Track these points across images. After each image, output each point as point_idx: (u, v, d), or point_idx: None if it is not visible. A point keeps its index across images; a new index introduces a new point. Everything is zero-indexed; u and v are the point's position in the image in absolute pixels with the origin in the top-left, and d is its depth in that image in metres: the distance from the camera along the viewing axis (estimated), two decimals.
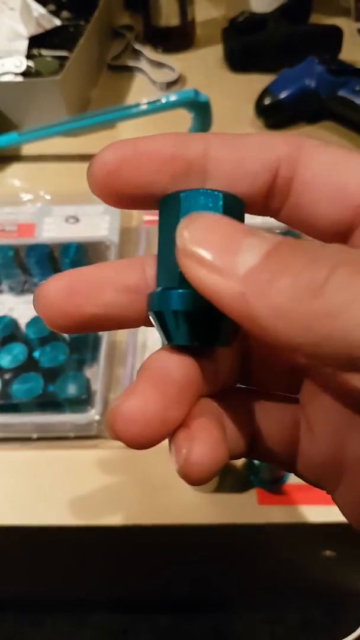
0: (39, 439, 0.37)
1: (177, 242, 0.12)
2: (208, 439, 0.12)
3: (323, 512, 0.34)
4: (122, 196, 0.13)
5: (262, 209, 0.14)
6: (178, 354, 0.14)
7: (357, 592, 0.60)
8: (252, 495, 0.35)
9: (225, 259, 0.11)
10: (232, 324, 0.13)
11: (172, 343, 0.14)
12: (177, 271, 0.13)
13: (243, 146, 0.13)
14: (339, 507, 0.15)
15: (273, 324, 0.10)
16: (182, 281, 0.12)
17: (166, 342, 0.14)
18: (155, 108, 0.52)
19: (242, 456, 0.15)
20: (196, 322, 0.13)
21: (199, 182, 0.13)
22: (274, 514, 0.34)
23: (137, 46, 0.73)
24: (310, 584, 0.61)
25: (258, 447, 0.15)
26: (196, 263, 0.11)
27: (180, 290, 0.13)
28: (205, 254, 0.11)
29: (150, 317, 0.14)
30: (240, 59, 0.69)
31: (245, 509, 0.35)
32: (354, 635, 0.52)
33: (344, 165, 0.13)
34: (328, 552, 0.44)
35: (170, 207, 0.13)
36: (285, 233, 0.43)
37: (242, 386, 0.16)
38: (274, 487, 0.35)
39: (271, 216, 0.14)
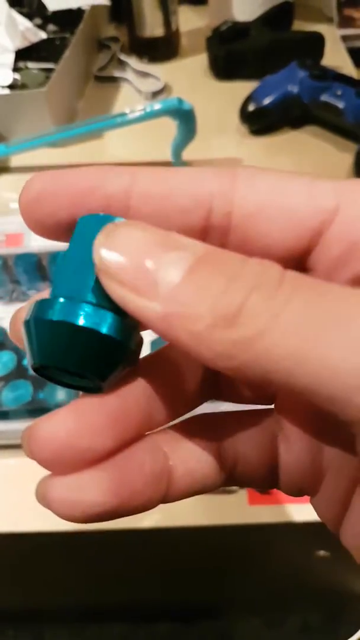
0: None
1: (94, 258, 0.11)
2: (75, 488, 0.12)
3: (314, 510, 0.34)
4: (43, 226, 0.13)
5: None
6: (127, 381, 0.13)
7: (356, 594, 0.60)
8: (242, 495, 0.35)
9: (146, 278, 0.11)
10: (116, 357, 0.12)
11: (40, 362, 0.12)
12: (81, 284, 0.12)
13: (171, 181, 0.12)
14: (317, 512, 0.15)
15: (194, 348, 0.10)
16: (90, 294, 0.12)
17: (33, 362, 0.12)
18: (141, 117, 0.53)
19: (218, 486, 0.14)
20: (91, 343, 0.11)
21: (121, 216, 0.12)
22: (264, 514, 0.34)
23: (123, 57, 0.74)
24: (308, 587, 0.61)
25: (237, 473, 0.14)
26: (117, 283, 0.11)
27: (91, 306, 0.12)
28: (126, 274, 0.11)
29: (26, 327, 0.12)
30: (224, 67, 0.70)
31: (236, 509, 0.35)
32: (354, 638, 0.52)
33: (288, 189, 0.12)
34: (322, 552, 0.44)
35: (83, 227, 0.13)
36: None
37: (215, 411, 0.15)
38: None
39: None
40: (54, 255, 0.44)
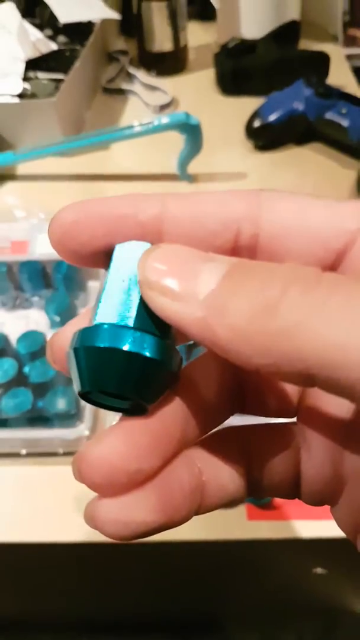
0: (28, 454, 0.37)
1: (138, 274, 0.12)
2: (123, 507, 0.12)
3: (313, 527, 0.34)
4: (78, 255, 0.13)
5: None
6: (165, 400, 0.13)
7: (351, 611, 0.59)
8: (241, 510, 0.35)
9: (185, 286, 0.11)
10: (164, 380, 0.12)
11: (90, 389, 0.12)
12: (128, 312, 0.12)
13: (200, 206, 0.13)
14: (337, 521, 0.15)
15: (234, 346, 0.10)
16: (136, 320, 0.12)
17: (82, 388, 0.13)
18: (148, 130, 0.54)
19: (244, 497, 0.15)
20: (137, 368, 0.12)
21: (155, 242, 0.13)
22: (263, 529, 0.34)
23: (131, 70, 0.75)
24: (304, 603, 0.60)
25: (262, 484, 0.15)
26: (159, 293, 0.12)
27: (135, 332, 0.12)
28: (167, 283, 0.11)
29: (72, 356, 0.12)
30: (231, 82, 0.71)
31: (234, 524, 0.34)
32: None
33: (312, 211, 0.13)
34: (319, 570, 0.44)
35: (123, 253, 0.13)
36: None
37: (239, 424, 0.15)
38: (263, 502, 0.35)
39: None
40: (59, 264, 0.44)
